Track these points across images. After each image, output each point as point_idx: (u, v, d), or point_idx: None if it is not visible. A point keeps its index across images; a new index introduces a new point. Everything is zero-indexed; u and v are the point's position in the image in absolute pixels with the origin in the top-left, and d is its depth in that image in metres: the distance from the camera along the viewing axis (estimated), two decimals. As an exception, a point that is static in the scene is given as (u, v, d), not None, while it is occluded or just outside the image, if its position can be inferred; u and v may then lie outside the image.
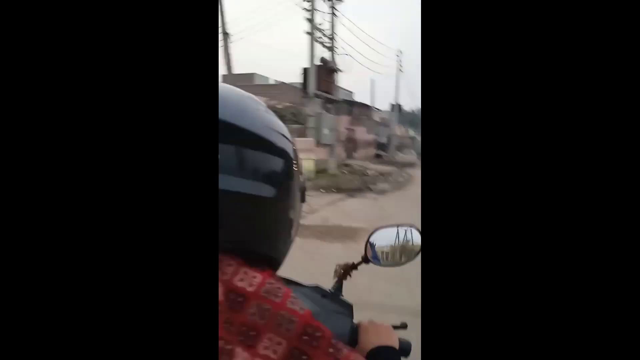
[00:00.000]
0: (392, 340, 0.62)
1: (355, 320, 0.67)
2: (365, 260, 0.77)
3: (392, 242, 0.78)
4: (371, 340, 0.60)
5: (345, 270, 0.78)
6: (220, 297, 0.36)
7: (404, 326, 0.71)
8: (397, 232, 0.78)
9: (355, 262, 0.78)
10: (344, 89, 20.66)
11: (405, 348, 0.65)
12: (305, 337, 0.38)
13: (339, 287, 0.76)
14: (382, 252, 0.78)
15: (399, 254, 0.78)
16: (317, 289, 0.70)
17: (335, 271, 0.78)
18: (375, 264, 0.78)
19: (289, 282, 0.68)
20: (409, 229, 0.78)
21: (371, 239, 0.78)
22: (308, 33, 10.81)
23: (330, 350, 0.39)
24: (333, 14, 11.89)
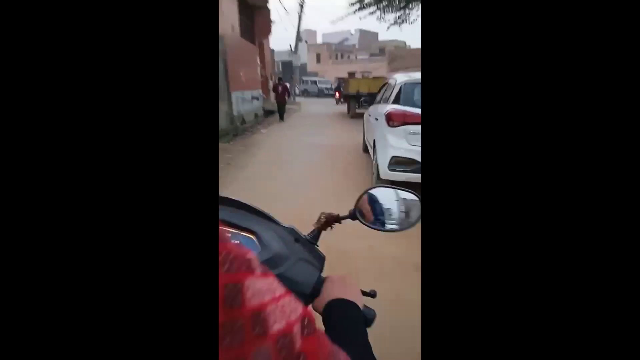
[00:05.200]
0: (357, 299, 0.57)
1: (325, 274, 0.63)
2: (352, 216, 0.72)
3: (394, 205, 0.73)
4: (335, 292, 0.56)
5: (328, 221, 0.74)
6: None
7: (372, 294, 0.67)
8: (397, 194, 0.73)
9: (341, 215, 0.74)
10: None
11: (368, 317, 0.59)
12: None
13: (315, 235, 0.72)
14: (389, 214, 0.72)
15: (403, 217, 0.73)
16: (292, 231, 0.67)
17: (319, 219, 0.74)
18: (371, 227, 0.72)
19: (265, 216, 0.66)
20: (406, 192, 0.73)
21: (374, 199, 0.73)
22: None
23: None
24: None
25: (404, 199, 0.73)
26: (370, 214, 0.73)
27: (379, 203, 0.74)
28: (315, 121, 12.45)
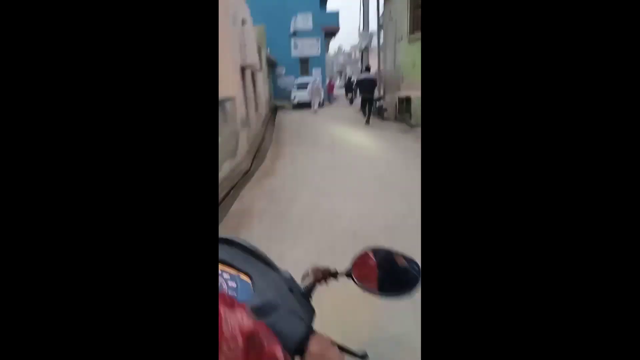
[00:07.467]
0: None
1: (315, 329, 0.61)
2: (348, 274, 0.71)
3: (391, 272, 0.71)
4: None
5: (325, 275, 0.73)
6: None
7: (363, 356, 0.65)
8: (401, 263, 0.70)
9: (338, 272, 0.73)
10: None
11: None
12: None
13: (310, 288, 0.72)
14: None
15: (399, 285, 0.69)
16: (287, 280, 0.66)
17: (314, 271, 0.73)
18: (366, 290, 0.70)
19: (262, 259, 0.64)
20: (405, 257, 0.71)
21: (373, 262, 0.70)
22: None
23: None
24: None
25: (402, 266, 0.70)
26: (368, 278, 0.71)
27: (377, 268, 0.71)
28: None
